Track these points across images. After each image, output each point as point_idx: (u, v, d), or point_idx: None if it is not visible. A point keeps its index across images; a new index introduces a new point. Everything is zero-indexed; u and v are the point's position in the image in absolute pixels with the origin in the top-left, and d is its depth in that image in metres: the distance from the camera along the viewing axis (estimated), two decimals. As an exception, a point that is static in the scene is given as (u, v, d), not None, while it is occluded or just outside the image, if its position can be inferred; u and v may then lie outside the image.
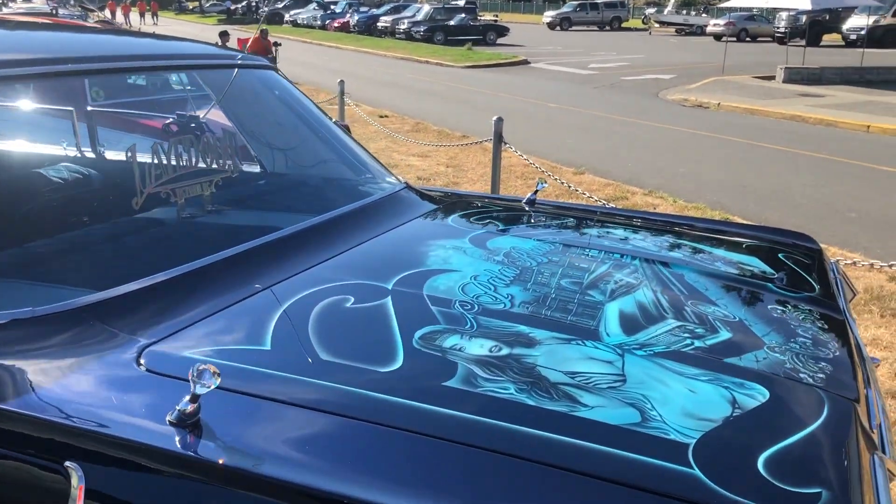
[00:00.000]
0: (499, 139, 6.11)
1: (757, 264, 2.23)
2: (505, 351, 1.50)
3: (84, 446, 1.20)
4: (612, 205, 7.27)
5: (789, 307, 1.92)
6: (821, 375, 1.57)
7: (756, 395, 1.42)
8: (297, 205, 2.51)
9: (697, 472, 1.17)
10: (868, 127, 12.66)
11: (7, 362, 1.36)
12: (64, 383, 1.34)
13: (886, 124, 12.55)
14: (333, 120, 3.09)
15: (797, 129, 12.87)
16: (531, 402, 1.32)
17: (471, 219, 2.48)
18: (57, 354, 1.42)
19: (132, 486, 1.18)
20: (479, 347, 1.51)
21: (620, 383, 1.42)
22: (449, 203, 2.70)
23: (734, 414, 1.35)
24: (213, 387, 1.17)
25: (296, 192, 2.69)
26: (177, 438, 1.16)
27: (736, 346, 1.65)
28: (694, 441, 1.25)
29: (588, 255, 2.18)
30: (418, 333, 1.54)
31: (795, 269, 2.24)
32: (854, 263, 4.39)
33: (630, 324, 1.70)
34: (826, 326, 1.84)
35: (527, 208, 2.77)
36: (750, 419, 1.35)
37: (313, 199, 2.58)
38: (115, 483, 1.19)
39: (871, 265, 4.64)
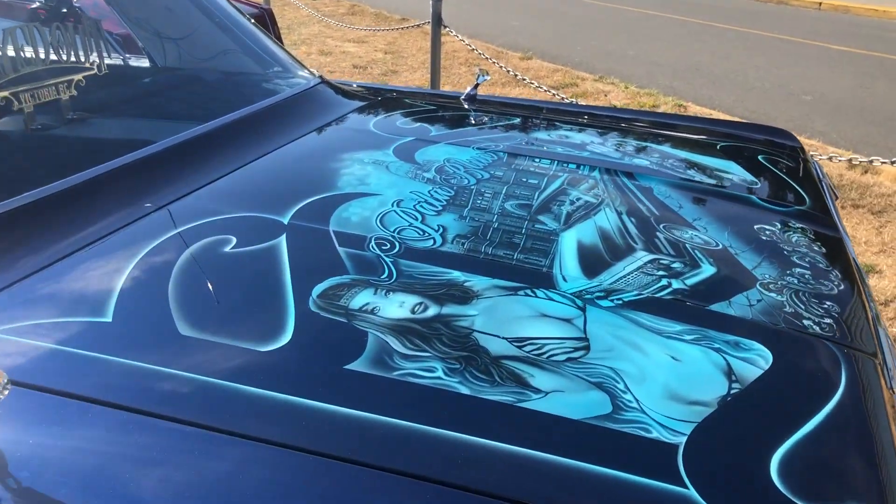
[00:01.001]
0: (437, 22, 5.56)
1: (735, 170, 1.89)
2: (432, 311, 1.14)
3: None
4: (562, 94, 6.86)
5: (779, 225, 1.59)
6: (828, 321, 1.25)
7: (756, 360, 1.10)
8: (182, 110, 2.05)
9: (692, 492, 0.84)
10: (820, 4, 12.27)
11: None
12: None
13: (837, 1, 12.18)
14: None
15: (748, 6, 12.40)
16: (465, 391, 0.97)
17: (397, 122, 2.06)
18: None
19: None
20: (398, 307, 1.14)
21: (583, 352, 1.07)
22: (373, 101, 2.27)
23: (732, 390, 1.02)
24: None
25: (184, 93, 2.22)
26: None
27: (723, 285, 1.32)
28: (684, 440, 0.92)
29: (538, 165, 1.79)
30: (318, 289, 1.17)
31: (779, 175, 1.90)
32: (830, 159, 4.10)
33: (592, 261, 1.35)
34: (824, 250, 1.52)
35: (466, 106, 2.36)
36: (754, 398, 1.02)
37: (204, 103, 2.12)
38: None
39: (850, 161, 4.36)
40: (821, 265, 1.45)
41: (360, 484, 0.82)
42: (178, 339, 1.03)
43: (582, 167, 1.80)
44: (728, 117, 6.27)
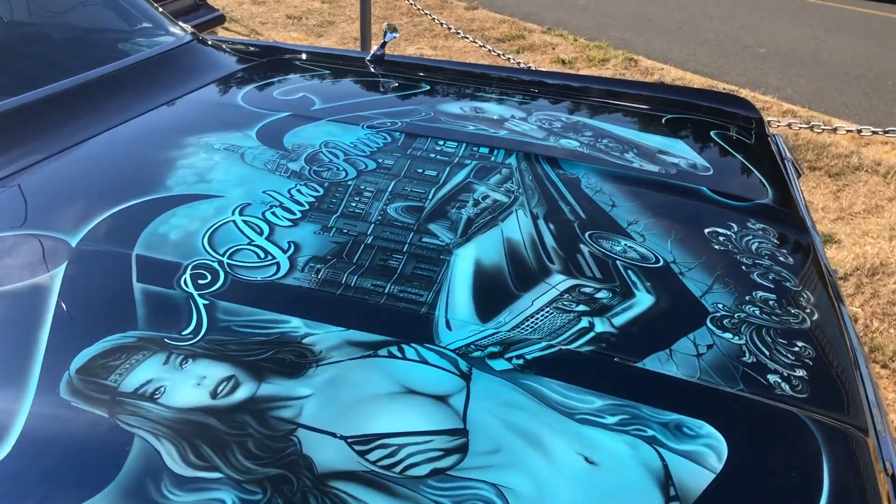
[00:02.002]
0: (370, -31, 5.07)
1: (682, 151, 1.55)
2: (243, 391, 0.78)
3: None
4: (504, 49, 6.45)
5: (735, 228, 1.26)
6: (800, 373, 0.93)
7: (705, 457, 0.77)
8: (13, 76, 1.62)
9: None
10: (776, -49, 11.94)
11: None
12: None
13: (795, -52, 11.86)
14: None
15: (704, -46, 12.00)
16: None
17: (276, 92, 1.67)
18: None
19: None
20: (194, 387, 0.78)
21: (457, 456, 0.73)
22: (254, 65, 1.87)
23: (669, 517, 0.69)
24: None
25: (27, 52, 1.79)
26: None
27: (662, 323, 0.98)
28: None
29: (440, 150, 1.43)
30: (81, 358, 0.80)
31: (735, 157, 1.57)
32: (790, 126, 3.79)
33: (490, 292, 1.00)
34: (791, 260, 1.20)
35: (370, 70, 1.97)
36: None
37: (33, 68, 1.70)
38: None
39: (812, 127, 4.08)
40: (788, 284, 1.13)
41: None
42: None
43: (495, 152, 1.44)
44: (680, 73, 5.95)
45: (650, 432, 0.79)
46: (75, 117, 1.37)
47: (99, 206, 1.09)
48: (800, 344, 0.99)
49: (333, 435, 0.74)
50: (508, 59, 4.38)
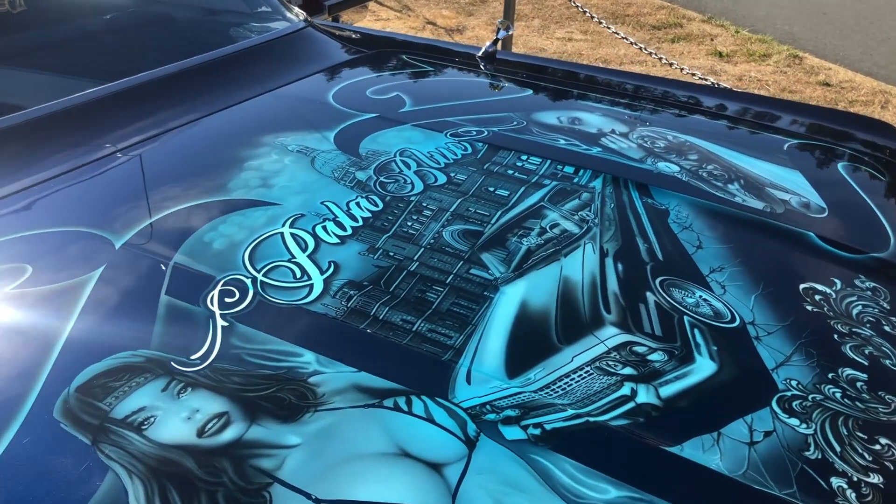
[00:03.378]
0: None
1: (798, 186, 1.38)
2: (232, 431, 0.75)
3: None
4: (659, 37, 6.16)
5: (838, 286, 1.11)
6: (873, 479, 0.79)
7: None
8: (116, 60, 1.68)
9: None
10: None
11: None
12: None
13: None
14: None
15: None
16: None
17: (370, 89, 1.63)
18: None
19: None
20: (185, 421, 0.76)
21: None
22: (359, 58, 1.84)
23: None
24: None
25: (136, 35, 1.85)
26: None
27: (718, 400, 0.87)
28: None
29: (522, 166, 1.34)
30: (85, 374, 0.80)
31: (860, 197, 1.38)
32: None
33: (525, 343, 0.92)
34: (900, 334, 1.03)
35: (481, 66, 1.90)
36: None
37: (149, 50, 1.74)
38: None
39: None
40: (888, 362, 0.97)
41: None
42: None
43: (581, 172, 1.33)
44: (850, 75, 5.45)
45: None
46: (163, 108, 1.38)
47: (154, 206, 1.09)
48: (883, 442, 0.85)
49: (308, 496, 0.69)
50: (650, 54, 4.16)
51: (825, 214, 1.29)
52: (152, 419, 0.75)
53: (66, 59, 1.63)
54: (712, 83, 3.44)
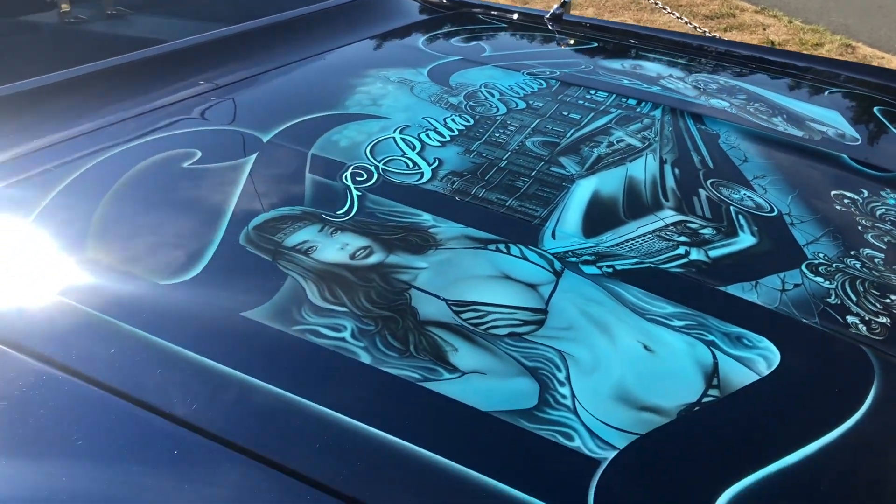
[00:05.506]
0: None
1: (836, 122, 1.56)
2: (374, 258, 0.98)
3: None
4: (711, 27, 6.27)
5: (865, 194, 1.29)
6: (882, 320, 0.98)
7: (755, 363, 0.87)
8: (221, 8, 1.94)
9: (591, 528, 0.66)
10: None
11: None
12: None
13: None
14: None
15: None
16: (365, 359, 0.81)
17: (454, 39, 1.86)
18: None
19: None
20: (339, 250, 0.99)
21: (533, 327, 0.88)
22: (442, 16, 2.07)
23: (704, 398, 0.81)
24: None
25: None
26: None
27: (756, 261, 1.07)
28: (610, 457, 0.72)
29: (590, 98, 1.55)
30: (258, 220, 1.03)
31: (888, 129, 1.56)
32: None
33: (600, 216, 1.13)
34: (916, 229, 1.22)
35: (549, 26, 2.11)
36: (728, 410, 0.80)
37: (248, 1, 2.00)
38: None
39: None
40: (904, 250, 1.16)
41: (195, 454, 0.70)
42: (78, 262, 0.93)
43: (643, 104, 1.54)
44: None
45: (710, 337, 0.90)
46: (287, 44, 1.63)
47: (290, 114, 1.33)
48: (893, 298, 1.04)
49: (437, 297, 0.91)
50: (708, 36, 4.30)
51: (858, 143, 1.48)
52: (315, 248, 0.98)
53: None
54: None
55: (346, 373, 0.79)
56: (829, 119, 1.57)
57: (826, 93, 1.73)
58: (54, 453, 0.68)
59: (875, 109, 1.66)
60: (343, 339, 0.83)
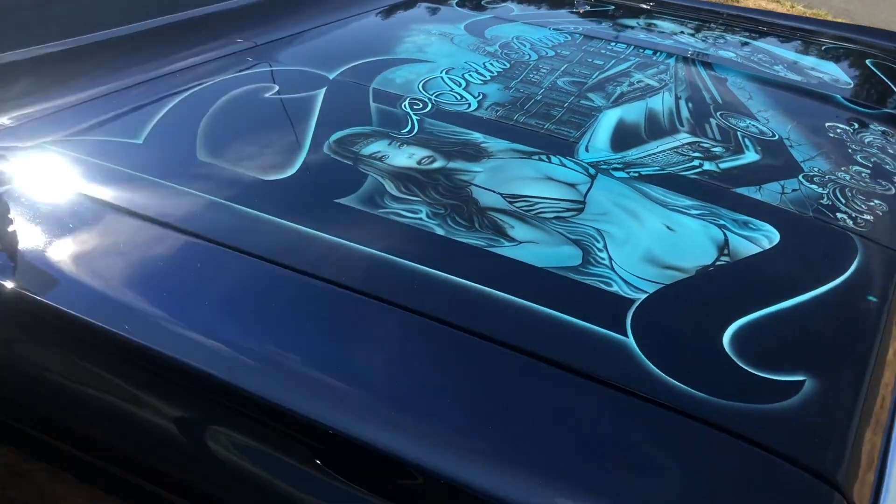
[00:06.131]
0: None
1: (832, 70, 1.74)
2: (438, 164, 1.16)
3: None
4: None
5: (855, 126, 1.47)
6: (867, 217, 1.17)
7: (759, 240, 1.05)
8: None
9: (630, 339, 0.84)
10: None
11: None
12: None
13: None
14: None
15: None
16: (439, 232, 1.00)
17: (483, 1, 2.04)
18: None
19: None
20: (407, 158, 1.17)
21: (574, 213, 1.07)
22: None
23: (717, 263, 0.99)
24: None
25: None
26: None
27: (760, 171, 1.25)
28: (643, 297, 0.91)
29: (611, 49, 1.74)
30: (336, 135, 1.22)
31: (880, 78, 1.74)
32: None
33: (625, 136, 1.32)
34: (899, 152, 1.40)
35: (569, -5, 2.29)
36: (738, 270, 0.99)
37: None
38: None
39: None
40: (888, 167, 1.35)
41: (327, 300, 0.88)
42: (193, 163, 1.12)
43: (658, 54, 1.72)
44: None
45: (722, 221, 1.08)
46: (336, 4, 1.82)
47: (348, 58, 1.51)
48: (877, 202, 1.22)
49: (493, 191, 1.10)
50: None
51: (850, 87, 1.66)
52: (387, 156, 1.17)
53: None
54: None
55: (426, 239, 0.98)
56: (825, 68, 1.75)
57: (824, 48, 1.91)
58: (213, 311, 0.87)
59: (867, 61, 1.84)
60: (420, 219, 1.02)
